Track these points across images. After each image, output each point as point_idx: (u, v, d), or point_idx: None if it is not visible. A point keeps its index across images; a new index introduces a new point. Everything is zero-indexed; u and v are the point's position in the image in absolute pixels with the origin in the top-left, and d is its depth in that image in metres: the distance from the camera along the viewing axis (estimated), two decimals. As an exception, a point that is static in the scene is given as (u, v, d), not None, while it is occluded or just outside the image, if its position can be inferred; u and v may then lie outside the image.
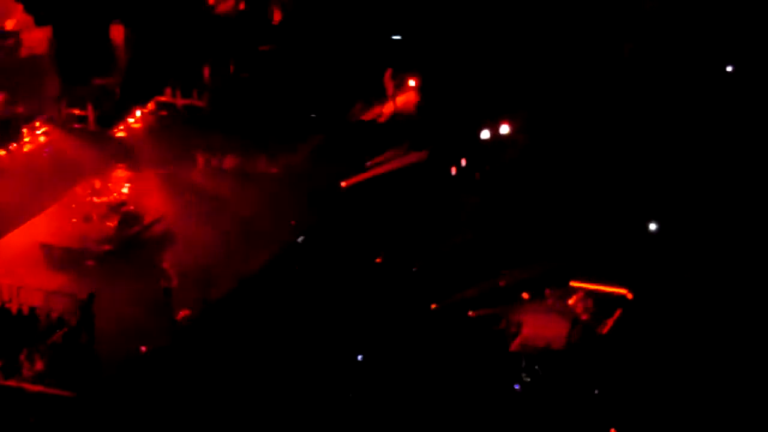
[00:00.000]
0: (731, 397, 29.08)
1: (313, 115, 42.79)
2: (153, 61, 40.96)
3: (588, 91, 42.26)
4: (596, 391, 30.03)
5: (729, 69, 43.07)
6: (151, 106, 42.72)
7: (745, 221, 36.05)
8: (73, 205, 37.52)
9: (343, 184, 39.58)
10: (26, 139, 40.79)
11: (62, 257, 35.76)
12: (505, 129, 41.03)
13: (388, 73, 43.55)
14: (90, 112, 41.95)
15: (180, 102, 43.20)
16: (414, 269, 35.26)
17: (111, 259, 35.75)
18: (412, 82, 44.02)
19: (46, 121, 41.38)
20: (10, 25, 43.95)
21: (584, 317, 32.93)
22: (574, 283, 34.45)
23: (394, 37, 43.90)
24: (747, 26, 42.54)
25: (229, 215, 37.66)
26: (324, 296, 33.50)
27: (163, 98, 42.92)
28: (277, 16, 44.31)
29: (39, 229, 36.79)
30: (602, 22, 43.60)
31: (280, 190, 39.46)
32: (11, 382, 29.57)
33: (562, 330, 32.27)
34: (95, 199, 37.72)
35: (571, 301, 33.55)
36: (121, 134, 41.61)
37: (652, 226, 36.69)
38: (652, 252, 35.27)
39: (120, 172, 39.07)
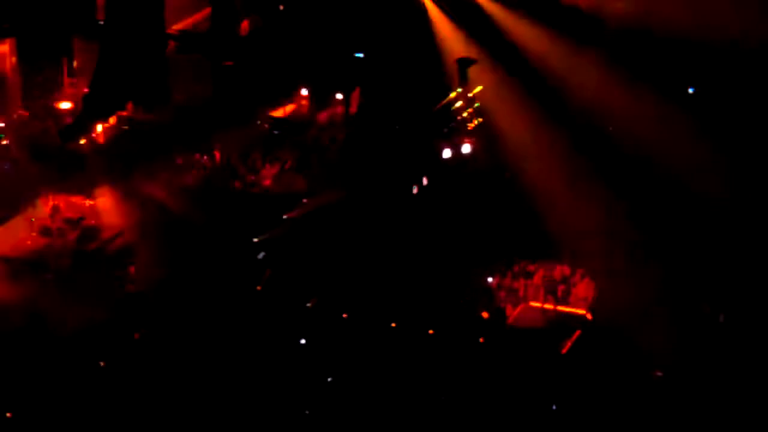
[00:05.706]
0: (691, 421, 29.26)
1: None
2: (116, 75, 40.79)
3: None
4: (554, 407, 30.15)
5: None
6: (113, 120, 42.60)
7: (702, 246, 36.23)
8: (33, 219, 37.33)
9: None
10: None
11: (21, 271, 35.63)
12: (467, 148, 41.07)
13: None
14: (52, 126, 41.79)
15: (142, 117, 43.12)
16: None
17: (70, 273, 35.62)
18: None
19: (6, 134, 41.23)
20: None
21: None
22: (533, 304, 34.69)
23: (358, 55, 43.90)
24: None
25: (190, 232, 37.55)
26: (287, 313, 33.54)
27: (125, 113, 42.80)
28: (244, 32, 44.17)
29: (-2, 242, 36.65)
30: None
31: (243, 207, 39.45)
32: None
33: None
34: (55, 213, 37.56)
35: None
36: (82, 149, 41.45)
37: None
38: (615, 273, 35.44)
39: (80, 187, 38.96)
